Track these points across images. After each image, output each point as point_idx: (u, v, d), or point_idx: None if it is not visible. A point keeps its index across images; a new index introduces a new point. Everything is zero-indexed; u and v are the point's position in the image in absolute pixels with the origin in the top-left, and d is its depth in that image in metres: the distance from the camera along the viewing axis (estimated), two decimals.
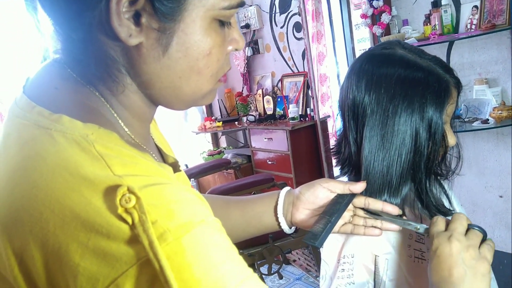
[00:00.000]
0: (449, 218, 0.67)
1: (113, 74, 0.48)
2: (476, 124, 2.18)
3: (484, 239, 0.64)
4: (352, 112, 0.75)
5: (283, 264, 2.29)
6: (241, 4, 0.49)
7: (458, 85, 0.74)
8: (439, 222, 0.67)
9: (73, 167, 0.40)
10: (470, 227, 0.64)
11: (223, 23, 0.49)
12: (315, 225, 0.72)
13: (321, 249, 0.83)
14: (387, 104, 0.71)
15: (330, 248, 0.82)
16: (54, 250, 0.38)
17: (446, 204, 0.77)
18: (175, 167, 0.59)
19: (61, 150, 0.41)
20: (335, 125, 3.36)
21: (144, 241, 0.37)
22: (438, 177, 0.80)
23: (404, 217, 0.75)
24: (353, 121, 0.76)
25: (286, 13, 3.38)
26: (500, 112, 2.11)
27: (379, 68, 0.73)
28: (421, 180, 0.73)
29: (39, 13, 0.48)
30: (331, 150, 0.87)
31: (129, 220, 0.38)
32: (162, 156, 0.61)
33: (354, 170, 0.80)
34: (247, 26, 3.65)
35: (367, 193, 0.75)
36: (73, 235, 0.38)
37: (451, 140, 0.75)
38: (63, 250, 0.38)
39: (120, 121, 0.50)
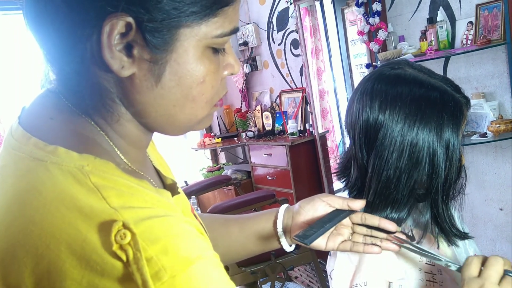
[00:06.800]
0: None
1: (107, 105, 0.47)
2: (474, 138, 2.20)
3: None
4: (365, 134, 0.74)
5: (285, 282, 2.28)
6: (234, 31, 0.49)
7: (467, 104, 0.73)
8: (473, 265, 0.62)
9: (69, 200, 0.40)
10: (506, 273, 0.59)
11: (216, 50, 0.49)
12: (308, 227, 0.71)
13: (329, 278, 0.80)
14: (403, 124, 0.70)
15: (340, 277, 0.78)
16: (49, 287, 0.38)
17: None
18: (173, 189, 0.58)
19: (57, 183, 0.41)
20: (335, 140, 3.37)
21: (137, 280, 0.37)
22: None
23: (421, 241, 0.73)
24: (365, 143, 0.74)
25: (284, 30, 3.42)
26: (498, 125, 2.13)
27: (392, 87, 0.71)
28: (438, 203, 0.71)
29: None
30: (335, 173, 0.85)
31: (124, 258, 0.37)
32: (161, 178, 0.60)
33: (363, 192, 0.78)
34: (245, 43, 3.69)
35: (372, 211, 0.74)
36: (67, 272, 0.37)
37: (463, 159, 0.74)
38: (57, 287, 0.37)
39: (116, 150, 0.49)
